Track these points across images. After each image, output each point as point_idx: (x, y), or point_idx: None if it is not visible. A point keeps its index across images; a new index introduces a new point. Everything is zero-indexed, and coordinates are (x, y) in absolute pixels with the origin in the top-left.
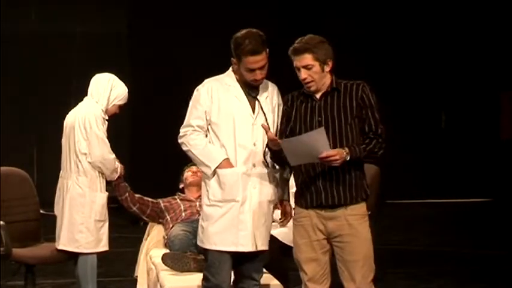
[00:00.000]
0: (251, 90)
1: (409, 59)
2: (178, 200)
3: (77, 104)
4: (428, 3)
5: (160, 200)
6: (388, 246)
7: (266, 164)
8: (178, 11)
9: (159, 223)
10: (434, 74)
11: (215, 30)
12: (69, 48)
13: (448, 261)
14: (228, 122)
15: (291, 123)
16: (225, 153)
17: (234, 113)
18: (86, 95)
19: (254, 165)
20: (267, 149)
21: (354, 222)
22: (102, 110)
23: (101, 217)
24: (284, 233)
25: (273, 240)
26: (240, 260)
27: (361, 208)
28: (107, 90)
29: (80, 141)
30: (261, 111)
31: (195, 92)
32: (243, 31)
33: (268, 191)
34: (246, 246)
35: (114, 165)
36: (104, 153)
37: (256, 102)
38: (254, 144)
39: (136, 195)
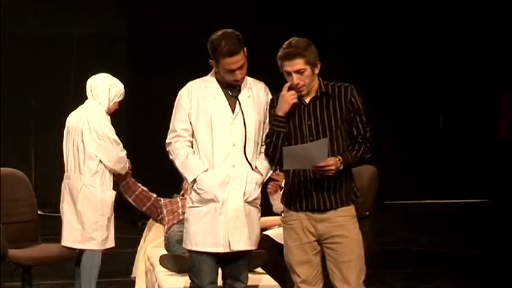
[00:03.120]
0: (232, 90)
1: (407, 60)
2: (178, 199)
3: (75, 105)
4: (427, 5)
5: (161, 198)
6: (386, 247)
7: (249, 164)
8: (177, 12)
9: (157, 221)
10: (433, 75)
11: (214, 31)
12: (68, 49)
13: (446, 262)
14: (205, 122)
15: None
16: (206, 164)
17: (212, 114)
18: (84, 96)
19: (233, 166)
20: (247, 150)
21: (344, 223)
22: (105, 110)
23: (109, 214)
24: (279, 234)
25: (269, 240)
26: (226, 260)
27: (350, 209)
28: (106, 90)
29: (91, 144)
30: (240, 111)
31: (178, 96)
32: (219, 32)
33: (249, 191)
34: (225, 247)
35: (125, 161)
36: (118, 153)
37: (237, 102)
38: (233, 145)
39: (143, 188)
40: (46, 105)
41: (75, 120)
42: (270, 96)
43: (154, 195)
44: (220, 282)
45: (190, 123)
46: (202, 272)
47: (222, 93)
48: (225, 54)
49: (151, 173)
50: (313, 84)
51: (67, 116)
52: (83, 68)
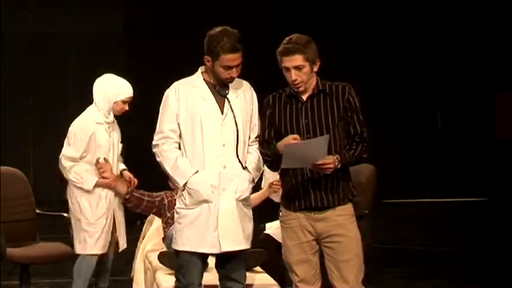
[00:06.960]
0: (221, 89)
1: (406, 58)
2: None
3: (74, 103)
4: (425, 4)
5: (164, 196)
6: (384, 246)
7: (240, 164)
8: (176, 11)
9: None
10: (431, 73)
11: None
12: (67, 49)
13: (444, 261)
14: (195, 123)
15: (276, 126)
16: (196, 166)
17: (201, 114)
18: (83, 95)
19: (224, 167)
20: (239, 151)
21: (343, 222)
22: (102, 113)
23: (90, 219)
24: (280, 233)
25: (269, 239)
26: (221, 261)
27: (348, 208)
28: (100, 91)
29: None
30: (230, 111)
31: (164, 96)
32: (218, 29)
33: (241, 190)
34: (218, 249)
35: (69, 169)
36: (64, 153)
37: (226, 101)
38: (223, 145)
39: (145, 196)
40: (45, 105)
41: None
42: (254, 95)
43: (158, 199)
44: (216, 283)
45: (178, 124)
46: (192, 273)
47: (210, 93)
48: (227, 50)
49: (150, 172)
50: (311, 82)
51: (66, 115)
52: (82, 68)
